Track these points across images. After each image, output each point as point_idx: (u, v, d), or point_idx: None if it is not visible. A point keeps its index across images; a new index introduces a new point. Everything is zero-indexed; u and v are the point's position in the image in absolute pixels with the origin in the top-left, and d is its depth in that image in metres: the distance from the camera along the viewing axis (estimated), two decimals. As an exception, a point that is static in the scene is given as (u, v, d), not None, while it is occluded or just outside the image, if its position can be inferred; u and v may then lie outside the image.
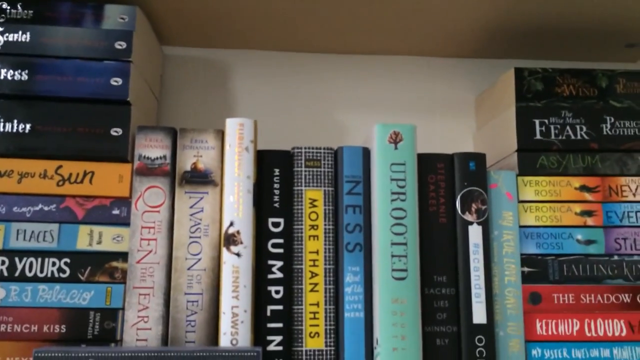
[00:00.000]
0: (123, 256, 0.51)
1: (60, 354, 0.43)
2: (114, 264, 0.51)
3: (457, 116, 0.72)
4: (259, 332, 0.50)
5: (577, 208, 0.56)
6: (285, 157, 0.54)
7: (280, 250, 0.52)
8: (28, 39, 0.54)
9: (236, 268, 0.50)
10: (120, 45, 0.54)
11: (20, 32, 0.53)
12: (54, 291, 0.50)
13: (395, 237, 0.51)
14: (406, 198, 0.52)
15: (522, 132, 0.57)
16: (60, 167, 0.52)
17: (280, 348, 0.50)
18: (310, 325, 0.51)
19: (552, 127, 0.57)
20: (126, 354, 0.43)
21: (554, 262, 0.55)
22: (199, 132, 0.53)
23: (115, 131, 0.53)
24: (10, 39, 0.53)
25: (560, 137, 0.57)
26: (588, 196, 0.56)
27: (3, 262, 0.50)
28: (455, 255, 0.53)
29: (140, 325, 0.49)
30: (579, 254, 0.55)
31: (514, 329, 0.53)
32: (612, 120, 0.58)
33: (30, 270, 0.51)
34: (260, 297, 0.51)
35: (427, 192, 0.54)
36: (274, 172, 0.53)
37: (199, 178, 0.52)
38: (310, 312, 0.51)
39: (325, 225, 0.53)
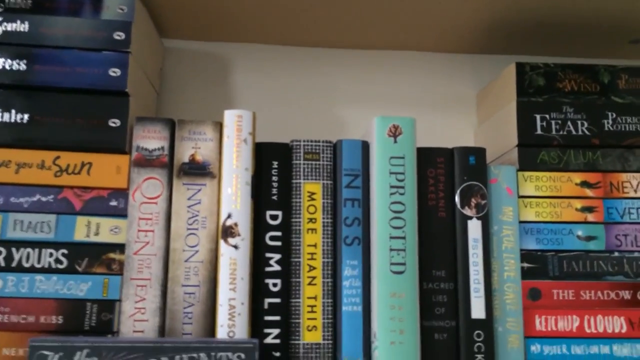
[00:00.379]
0: (120, 248, 0.51)
1: (56, 344, 0.43)
2: (112, 255, 0.51)
3: (458, 112, 0.71)
4: (257, 325, 0.50)
5: (578, 204, 0.55)
6: (284, 149, 0.54)
7: (278, 243, 0.52)
8: (27, 29, 0.53)
9: (233, 260, 0.49)
10: (119, 35, 0.54)
11: (19, 22, 0.53)
12: (51, 282, 0.50)
13: (394, 231, 0.51)
14: (405, 192, 0.52)
15: (523, 127, 0.57)
16: (58, 157, 0.52)
17: (277, 341, 0.50)
18: (308, 319, 0.51)
19: (553, 122, 0.57)
20: (122, 344, 0.43)
21: (553, 258, 0.54)
22: (197, 123, 0.53)
23: (114, 122, 0.53)
24: (9, 28, 0.53)
25: (561, 133, 0.57)
26: (589, 192, 0.56)
27: (0, 253, 0.50)
28: (455, 249, 0.53)
29: (137, 317, 0.49)
30: (579, 250, 0.55)
31: (513, 324, 0.52)
32: (614, 116, 0.57)
33: (27, 261, 0.50)
34: (257, 290, 0.51)
35: (427, 186, 0.54)
36: (272, 165, 0.53)
37: (197, 170, 0.52)
38: (308, 306, 0.51)
39: (323, 218, 0.53)
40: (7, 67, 0.53)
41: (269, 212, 0.52)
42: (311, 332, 0.51)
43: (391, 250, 0.51)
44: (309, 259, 0.52)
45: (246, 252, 0.50)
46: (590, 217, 0.55)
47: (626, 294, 0.54)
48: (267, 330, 0.50)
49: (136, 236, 0.50)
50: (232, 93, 0.70)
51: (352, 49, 0.72)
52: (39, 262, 0.50)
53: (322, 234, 0.52)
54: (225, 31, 0.68)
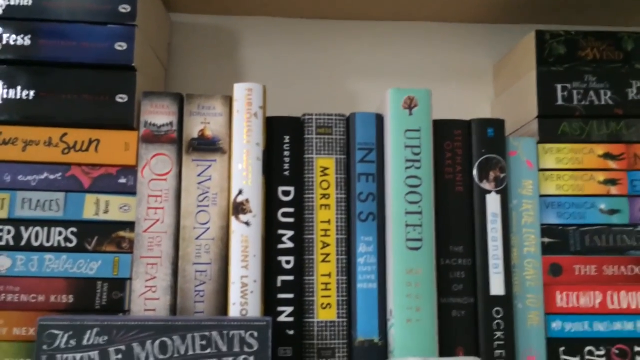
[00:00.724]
0: (130, 226, 0.50)
1: (65, 323, 0.42)
2: (121, 233, 0.50)
3: (474, 84, 0.69)
4: (270, 303, 0.49)
5: (601, 177, 0.54)
6: (295, 124, 0.52)
7: (291, 220, 0.50)
8: (30, 3, 0.52)
9: (245, 237, 0.48)
10: (124, 8, 0.52)
11: (22, -4, 0.52)
12: (60, 261, 0.49)
13: (409, 206, 0.50)
14: (421, 166, 0.50)
15: (543, 98, 0.55)
16: (65, 134, 0.51)
17: (291, 319, 0.49)
18: (322, 297, 0.50)
19: (574, 92, 0.55)
20: (133, 323, 0.42)
21: (575, 233, 0.53)
22: (206, 98, 0.51)
23: (121, 98, 0.51)
24: (13, 2, 0.52)
25: (583, 103, 0.55)
26: (612, 164, 0.54)
27: (9, 232, 0.49)
28: (473, 225, 0.51)
29: (148, 296, 0.48)
30: (602, 224, 0.53)
31: (533, 301, 0.51)
32: (639, 84, 0.55)
33: (36, 240, 0.50)
34: (270, 268, 0.50)
35: (443, 160, 0.52)
36: (284, 140, 0.52)
37: (207, 145, 0.51)
38: (322, 283, 0.50)
39: (337, 194, 0.51)
40: (12, 43, 0.51)
41: (281, 188, 0.51)
42: (325, 310, 0.50)
43: (407, 226, 0.49)
44: (322, 236, 0.50)
45: (258, 229, 0.49)
46: (614, 190, 0.53)
47: (651, 269, 0.52)
48: (280, 309, 0.49)
49: (146, 214, 0.49)
50: (242, 67, 0.68)
51: (365, 21, 0.69)
52: (48, 241, 0.50)
53: (336, 210, 0.51)
54: (233, 4, 0.66)
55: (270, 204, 0.51)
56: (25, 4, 0.52)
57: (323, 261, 0.50)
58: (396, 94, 0.51)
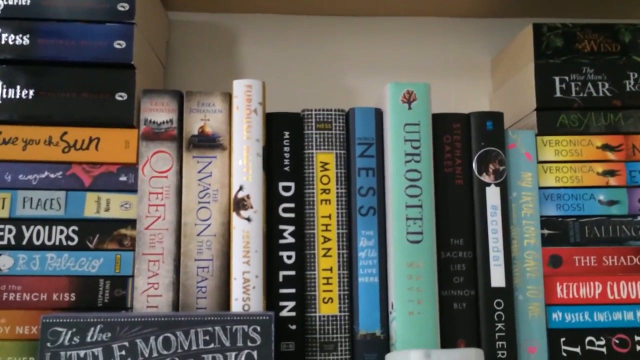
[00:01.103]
0: (132, 223, 0.50)
1: (69, 320, 0.42)
2: (123, 231, 0.50)
3: (472, 78, 0.69)
4: (272, 298, 0.49)
5: (599, 168, 0.54)
6: (295, 119, 0.52)
7: (292, 215, 0.51)
8: (28, 3, 0.52)
9: (246, 233, 0.48)
10: (122, 7, 0.52)
11: (20, -4, 0.52)
12: (62, 259, 0.49)
13: (410, 200, 0.50)
14: (421, 159, 0.50)
15: (541, 90, 0.55)
16: (65, 133, 0.51)
17: (293, 314, 0.49)
18: (324, 291, 0.50)
19: (572, 84, 0.55)
20: (136, 319, 0.43)
21: (575, 224, 0.53)
22: (205, 94, 0.51)
23: (120, 96, 0.51)
24: (11, 2, 0.52)
25: (581, 95, 0.55)
26: (611, 155, 0.54)
27: (10, 231, 0.50)
28: (473, 217, 0.51)
29: (150, 292, 0.49)
30: (601, 215, 0.53)
31: (533, 292, 0.51)
32: (636, 76, 0.55)
33: (37, 239, 0.50)
34: (272, 263, 0.50)
35: (443, 153, 0.52)
36: (283, 135, 0.52)
37: (207, 142, 0.51)
38: (324, 278, 0.50)
39: (337, 188, 0.51)
40: (10, 42, 0.51)
41: (281, 184, 0.51)
42: (327, 304, 0.50)
43: (407, 219, 0.50)
44: (323, 231, 0.51)
45: (259, 225, 0.49)
46: (612, 181, 0.54)
47: (650, 260, 0.52)
48: (282, 303, 0.49)
49: (147, 211, 0.50)
50: (241, 64, 0.68)
51: (362, 16, 0.70)
52: (49, 239, 0.50)
53: (337, 204, 0.51)
54: (230, 2, 0.66)
55: (271, 199, 0.51)
56: (24, 3, 0.52)
57: (324, 255, 0.50)
58: (395, 88, 0.51)
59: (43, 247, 0.49)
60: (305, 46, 0.69)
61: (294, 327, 0.49)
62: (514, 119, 0.60)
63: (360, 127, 0.52)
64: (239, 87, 0.51)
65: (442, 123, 0.53)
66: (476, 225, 0.51)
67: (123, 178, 0.51)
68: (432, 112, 0.52)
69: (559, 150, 0.54)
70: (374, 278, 0.50)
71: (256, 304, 0.48)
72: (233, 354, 0.43)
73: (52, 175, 0.51)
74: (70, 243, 0.50)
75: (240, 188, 0.49)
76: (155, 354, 0.42)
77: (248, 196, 0.49)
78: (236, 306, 0.47)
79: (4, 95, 0.51)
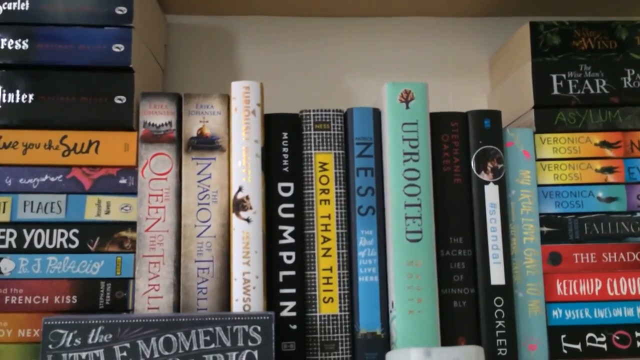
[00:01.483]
0: (132, 226, 0.50)
1: (70, 322, 0.43)
2: (123, 233, 0.50)
3: (470, 77, 0.70)
4: (272, 298, 0.50)
5: (598, 165, 0.54)
6: (293, 120, 0.53)
7: (291, 215, 0.51)
8: (27, 7, 0.52)
9: (246, 234, 0.49)
10: (120, 10, 0.53)
11: (19, 1, 0.52)
12: (63, 262, 0.50)
13: (408, 199, 0.50)
14: (419, 158, 0.51)
15: (539, 88, 0.55)
16: (65, 137, 0.51)
17: (293, 314, 0.49)
18: (324, 291, 0.50)
19: (570, 81, 0.55)
20: (137, 320, 0.43)
21: (574, 221, 0.53)
22: (204, 97, 0.52)
23: (119, 99, 0.52)
24: (10, 7, 0.52)
25: (578, 92, 0.55)
26: (609, 152, 0.54)
27: (11, 234, 0.50)
28: (472, 215, 0.52)
29: (151, 294, 0.49)
30: (600, 212, 0.53)
31: (533, 290, 0.51)
32: (633, 72, 0.55)
33: (39, 242, 0.50)
34: (272, 263, 0.50)
35: (441, 152, 0.52)
36: (282, 136, 0.52)
37: (206, 144, 0.51)
38: (324, 277, 0.50)
39: (336, 188, 0.52)
40: (10, 47, 0.52)
41: (280, 184, 0.51)
42: (328, 303, 0.50)
43: (406, 218, 0.50)
44: (323, 231, 0.51)
45: (259, 225, 0.49)
46: (611, 177, 0.54)
47: (650, 256, 0.53)
48: (282, 303, 0.49)
49: (147, 213, 0.50)
50: (239, 67, 0.69)
51: (359, 17, 0.70)
52: (50, 242, 0.50)
53: (336, 204, 0.51)
54: (228, 4, 0.66)
55: (270, 200, 0.51)
56: (22, 8, 0.52)
57: (324, 255, 0.51)
58: (393, 88, 0.51)
59: (44, 251, 0.50)
60: (303, 47, 0.69)
61: (294, 327, 0.49)
62: (512, 117, 0.60)
63: (359, 127, 0.52)
64: (237, 89, 0.51)
65: (440, 122, 0.53)
66: (475, 223, 0.51)
67: (123, 181, 0.51)
68: (430, 111, 0.52)
69: (557, 148, 0.54)
70: (374, 277, 0.50)
71: (257, 305, 0.48)
72: (234, 354, 0.43)
73: (52, 179, 0.51)
74: (71, 246, 0.50)
75: (240, 189, 0.49)
76: (156, 355, 0.42)
77: (247, 197, 0.49)
78: (237, 307, 0.48)
79: (4, 100, 0.51)
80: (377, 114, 0.53)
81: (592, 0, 0.67)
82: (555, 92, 0.55)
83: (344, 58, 0.69)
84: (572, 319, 0.51)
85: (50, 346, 0.42)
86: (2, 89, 0.51)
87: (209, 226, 0.50)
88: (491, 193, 0.52)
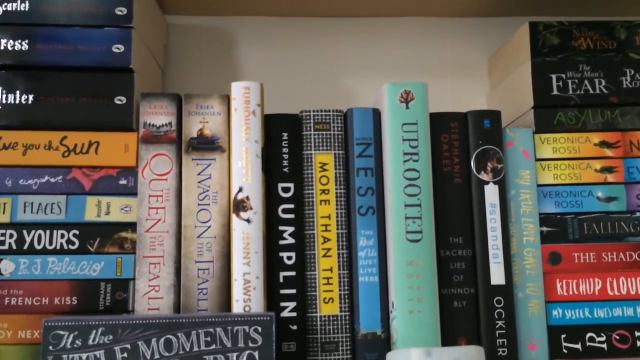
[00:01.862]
0: (132, 227, 0.50)
1: (71, 324, 0.43)
2: (124, 234, 0.50)
3: (470, 77, 0.70)
4: (273, 299, 0.50)
5: (597, 165, 0.54)
6: (293, 121, 0.53)
7: (292, 216, 0.51)
8: (27, 8, 0.52)
9: (247, 234, 0.49)
10: (120, 11, 0.53)
11: (19, 2, 0.52)
12: (63, 263, 0.50)
13: (409, 199, 0.50)
14: (419, 159, 0.51)
15: (539, 88, 0.55)
16: (65, 138, 0.51)
17: (294, 314, 0.49)
18: (325, 291, 0.50)
19: (569, 82, 0.55)
20: (138, 322, 0.43)
21: (574, 221, 0.53)
22: (204, 97, 0.52)
23: (120, 100, 0.52)
24: (10, 8, 0.52)
25: (578, 92, 0.55)
26: (608, 152, 0.54)
27: (11, 236, 0.50)
28: (472, 216, 0.52)
29: (152, 295, 0.49)
30: (599, 212, 0.53)
31: (533, 290, 0.51)
32: (632, 73, 0.56)
33: (39, 243, 0.50)
34: (272, 264, 0.50)
35: (441, 152, 0.52)
36: (282, 137, 0.52)
37: (206, 144, 0.51)
38: (324, 278, 0.50)
39: (336, 189, 0.52)
40: (10, 48, 0.52)
41: (281, 185, 0.51)
42: (328, 304, 0.50)
43: (407, 218, 0.50)
44: (323, 231, 0.51)
45: (259, 226, 0.49)
46: (611, 177, 0.54)
47: (649, 256, 0.53)
48: (283, 304, 0.50)
49: (147, 214, 0.50)
50: (239, 67, 0.69)
51: (359, 18, 0.70)
52: (50, 244, 0.50)
53: (336, 205, 0.51)
54: (228, 5, 0.66)
55: (271, 200, 0.51)
56: (22, 9, 0.52)
57: (324, 256, 0.51)
58: (393, 88, 0.52)
59: (44, 252, 0.50)
60: (303, 48, 0.69)
61: (295, 327, 0.49)
62: (511, 117, 0.60)
63: (359, 128, 0.52)
64: (237, 90, 0.51)
65: (440, 122, 0.53)
66: (475, 223, 0.51)
67: (123, 182, 0.51)
68: (430, 112, 0.52)
69: (557, 148, 0.54)
70: (374, 278, 0.50)
71: (257, 305, 0.48)
72: (235, 354, 0.43)
73: (52, 180, 0.51)
74: (71, 247, 0.50)
75: (240, 190, 0.49)
76: (157, 356, 0.42)
77: (248, 198, 0.49)
78: (237, 307, 0.48)
79: (4, 101, 0.51)
80: (377, 114, 0.53)
81: (591, 1, 0.67)
82: (555, 92, 0.55)
83: (344, 58, 0.69)
84: (573, 319, 0.51)
85: (50, 347, 0.42)
86: (2, 90, 0.51)
87: (209, 227, 0.50)
88: (491, 193, 0.52)
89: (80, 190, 0.51)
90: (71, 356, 0.42)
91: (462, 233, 0.51)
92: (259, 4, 0.66)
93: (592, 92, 0.55)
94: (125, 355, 0.42)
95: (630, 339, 0.51)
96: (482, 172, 0.52)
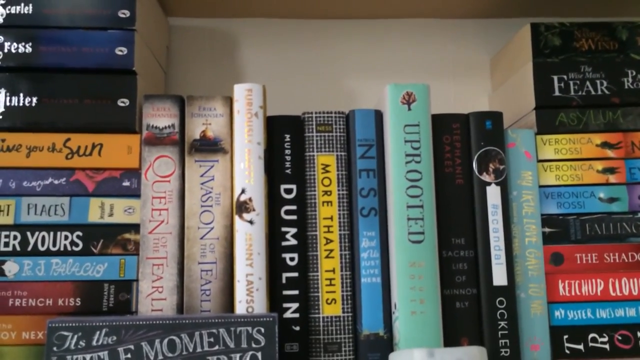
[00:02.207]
0: (135, 228, 0.50)
1: (74, 324, 0.43)
2: (127, 235, 0.51)
3: (472, 78, 0.70)
4: (275, 300, 0.50)
5: (599, 165, 0.54)
6: (296, 122, 0.53)
7: (294, 217, 0.51)
8: (30, 11, 0.53)
9: (249, 235, 0.49)
10: (123, 13, 0.53)
11: (22, 4, 0.53)
12: (67, 264, 0.50)
13: (410, 200, 0.50)
14: (421, 160, 0.51)
15: (540, 89, 0.55)
16: (68, 139, 0.51)
17: (296, 315, 0.50)
18: (327, 292, 0.50)
19: (571, 82, 0.55)
20: (141, 322, 0.43)
21: (575, 222, 0.53)
22: (207, 99, 0.52)
23: (122, 102, 0.52)
24: (13, 11, 0.52)
25: (580, 93, 0.55)
26: (610, 153, 0.54)
27: (15, 237, 0.50)
28: (474, 216, 0.52)
29: (155, 296, 0.49)
30: (601, 213, 0.53)
31: (535, 290, 0.52)
32: (634, 73, 0.56)
33: (42, 245, 0.50)
34: (275, 265, 0.50)
35: (443, 153, 0.53)
36: (284, 138, 0.52)
37: (209, 146, 0.51)
38: (326, 279, 0.50)
39: (338, 190, 0.52)
40: (13, 50, 0.52)
41: (283, 186, 0.51)
42: (330, 305, 0.50)
43: (409, 219, 0.50)
44: (325, 232, 0.51)
45: (261, 227, 0.49)
46: (612, 178, 0.54)
47: (651, 256, 0.53)
48: (285, 305, 0.50)
49: (150, 215, 0.50)
50: (241, 69, 0.69)
51: (360, 19, 0.70)
52: (54, 245, 0.50)
53: (338, 206, 0.51)
54: (230, 7, 0.67)
55: (273, 202, 0.51)
56: (26, 11, 0.53)
57: (327, 257, 0.51)
58: (394, 89, 0.52)
59: (48, 253, 0.50)
60: (305, 49, 0.69)
61: (297, 328, 0.49)
62: (513, 118, 0.60)
63: (361, 129, 0.52)
64: (239, 91, 0.51)
65: (441, 123, 0.53)
66: (477, 224, 0.52)
67: (126, 183, 0.51)
68: (431, 113, 0.52)
69: (558, 149, 0.54)
70: (377, 278, 0.50)
71: (260, 306, 0.48)
72: (237, 355, 0.43)
73: (55, 182, 0.51)
74: (74, 248, 0.50)
75: (243, 191, 0.50)
76: (160, 357, 0.43)
77: (250, 199, 0.49)
78: (240, 308, 0.48)
79: (8, 103, 0.51)
80: (379, 115, 0.53)
81: (592, 1, 0.67)
82: (557, 93, 0.55)
83: (345, 60, 0.69)
84: (575, 319, 0.51)
85: (54, 348, 0.42)
86: (5, 92, 0.51)
87: (212, 228, 0.50)
88: (493, 194, 0.52)
89: (84, 192, 0.51)
90: (75, 357, 0.42)
91: (464, 234, 0.51)
92: (261, 5, 0.66)
93: (593, 92, 0.55)
94: (129, 355, 0.43)
95: (632, 339, 0.51)
96: (484, 173, 0.52)
